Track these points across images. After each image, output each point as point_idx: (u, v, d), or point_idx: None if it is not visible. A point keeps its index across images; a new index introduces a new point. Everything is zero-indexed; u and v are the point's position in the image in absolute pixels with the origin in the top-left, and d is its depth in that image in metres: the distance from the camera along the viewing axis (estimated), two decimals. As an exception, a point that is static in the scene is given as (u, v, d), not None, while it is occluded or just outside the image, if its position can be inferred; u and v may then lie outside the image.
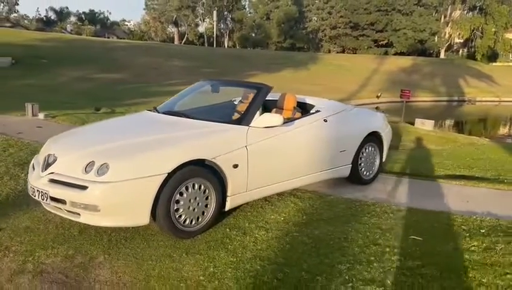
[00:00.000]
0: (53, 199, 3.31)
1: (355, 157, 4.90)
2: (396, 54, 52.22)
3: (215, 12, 49.20)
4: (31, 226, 3.66)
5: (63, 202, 3.27)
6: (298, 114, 4.67)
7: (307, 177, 4.41)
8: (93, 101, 12.90)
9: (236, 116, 4.41)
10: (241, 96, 4.93)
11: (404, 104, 15.86)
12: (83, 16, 66.85)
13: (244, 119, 3.96)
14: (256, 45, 58.20)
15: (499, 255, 3.13)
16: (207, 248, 3.34)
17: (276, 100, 4.84)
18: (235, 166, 3.69)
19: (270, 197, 4.35)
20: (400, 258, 3.12)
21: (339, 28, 55.74)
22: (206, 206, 3.60)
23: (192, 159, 3.44)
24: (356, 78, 30.58)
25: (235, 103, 5.08)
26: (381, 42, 55.92)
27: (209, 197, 3.61)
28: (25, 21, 65.70)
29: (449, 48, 56.38)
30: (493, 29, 49.95)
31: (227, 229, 3.67)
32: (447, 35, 54.54)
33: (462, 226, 3.76)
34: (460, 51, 57.58)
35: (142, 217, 3.26)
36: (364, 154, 5.04)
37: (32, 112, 9.09)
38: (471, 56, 51.45)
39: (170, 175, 3.31)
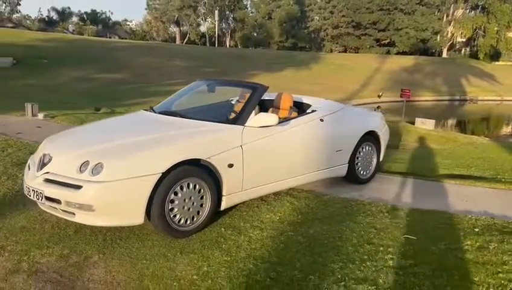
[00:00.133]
0: (48, 198, 3.32)
1: (352, 157, 4.90)
2: (398, 53, 52.15)
3: (216, 12, 49.17)
4: (27, 225, 3.68)
5: (58, 201, 3.29)
6: (295, 114, 4.67)
7: (303, 176, 4.42)
8: (94, 101, 12.94)
9: (232, 115, 4.42)
10: (238, 96, 4.95)
11: (405, 104, 15.84)
12: (84, 16, 66.93)
13: (240, 119, 3.97)
14: (258, 45, 58.20)
15: (491, 254, 3.14)
16: (201, 247, 3.36)
17: (273, 100, 4.85)
18: (230, 165, 3.70)
19: (267, 196, 4.36)
20: (392, 257, 3.13)
21: (341, 27, 55.69)
22: (201, 205, 3.61)
23: (186, 158, 3.45)
24: (358, 78, 30.56)
25: (233, 102, 5.10)
26: (384, 41, 55.85)
27: (204, 197, 3.62)
28: (27, 21, 65.93)
29: (451, 47, 56.25)
30: (495, 28, 49.78)
31: (223, 229, 3.68)
32: (449, 35, 54.41)
33: (457, 225, 3.77)
34: (463, 50, 57.42)
35: (136, 216, 3.28)
36: (361, 153, 5.04)
37: (32, 112, 9.13)
38: (474, 55, 51.31)
39: (164, 175, 3.32)
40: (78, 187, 3.19)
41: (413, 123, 13.53)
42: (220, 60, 31.51)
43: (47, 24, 63.16)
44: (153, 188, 3.27)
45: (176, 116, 4.23)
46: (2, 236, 3.49)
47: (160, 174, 3.29)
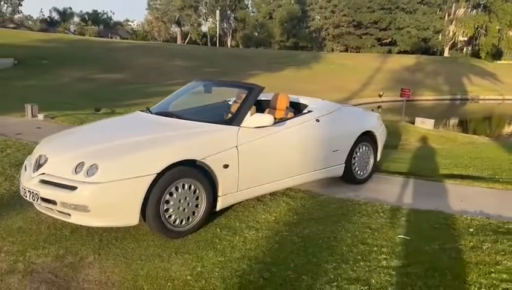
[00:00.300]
0: (44, 199, 3.35)
1: (349, 157, 4.92)
2: (400, 52, 52.04)
3: (217, 12, 49.21)
4: (23, 226, 3.70)
5: (53, 202, 3.31)
6: (291, 114, 4.68)
7: (300, 176, 4.43)
8: (94, 102, 12.97)
9: (228, 116, 4.44)
10: (235, 97, 4.96)
11: (405, 103, 15.83)
12: (86, 16, 67.02)
13: (235, 119, 3.99)
14: (259, 44, 58.21)
15: (484, 254, 3.15)
16: (196, 247, 3.37)
17: (270, 100, 4.87)
18: (226, 166, 3.72)
19: (263, 196, 4.38)
20: (386, 258, 3.14)
21: (342, 26, 55.63)
22: (197, 206, 3.63)
23: (181, 159, 3.47)
24: (359, 77, 30.53)
25: (230, 103, 5.11)
26: (385, 41, 55.77)
27: (200, 198, 3.63)
28: (29, 22, 66.08)
29: (453, 46, 56.09)
30: (497, 27, 49.60)
31: (218, 229, 3.70)
32: (451, 34, 54.23)
33: (452, 226, 3.78)
34: (465, 49, 57.25)
35: (131, 217, 3.30)
36: (358, 153, 5.05)
37: (32, 112, 9.16)
38: (476, 54, 51.14)
39: (159, 175, 3.34)
40: (73, 188, 3.21)
41: (413, 123, 13.53)
42: (221, 60, 31.52)
43: (48, 24, 63.30)
44: (148, 189, 3.29)
45: (172, 117, 4.25)
46: (-1, 237, 3.51)
47: (155, 175, 3.31)
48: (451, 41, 54.81)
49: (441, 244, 3.35)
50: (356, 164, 5.03)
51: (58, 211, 3.35)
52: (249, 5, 63.01)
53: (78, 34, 55.82)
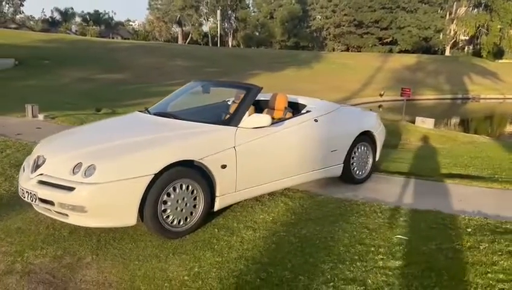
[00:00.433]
0: (42, 200, 3.36)
1: (347, 157, 4.92)
2: (401, 51, 51.98)
3: (218, 12, 49.24)
4: (22, 227, 3.71)
5: (51, 203, 3.32)
6: (289, 114, 4.69)
7: (298, 177, 4.44)
8: (95, 102, 12.98)
9: (226, 117, 4.44)
10: (234, 97, 4.97)
11: (405, 103, 15.80)
12: (87, 16, 67.11)
13: (233, 120, 3.99)
14: (260, 44, 58.21)
15: (481, 254, 3.15)
16: (194, 248, 3.38)
17: (268, 100, 4.87)
18: (224, 166, 3.73)
19: (261, 196, 4.38)
20: (383, 258, 3.14)
21: (343, 26, 55.61)
22: (195, 206, 3.64)
23: (179, 160, 3.47)
24: (359, 77, 30.48)
25: (229, 103, 5.11)
26: (386, 40, 55.72)
27: (197, 198, 3.64)
28: (31, 22, 66.19)
29: (454, 45, 56.00)
30: (499, 26, 49.51)
31: (216, 229, 3.70)
32: (452, 33, 54.14)
33: (450, 225, 3.78)
34: (466, 48, 57.18)
35: (129, 217, 3.31)
36: (357, 153, 5.05)
37: (32, 113, 9.18)
38: (477, 53, 51.05)
39: (157, 176, 3.35)
40: (71, 189, 3.22)
41: (413, 122, 13.51)
42: (222, 59, 31.51)
43: (50, 25, 63.40)
44: (146, 189, 3.30)
45: (170, 117, 4.26)
46: (-3, 237, 3.52)
47: (153, 175, 3.32)
48: (452, 41, 54.72)
49: (438, 244, 3.36)
50: (355, 163, 5.03)
51: (56, 211, 3.37)
52: (250, 5, 63.04)
53: (80, 34, 55.87)
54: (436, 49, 56.01)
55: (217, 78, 20.03)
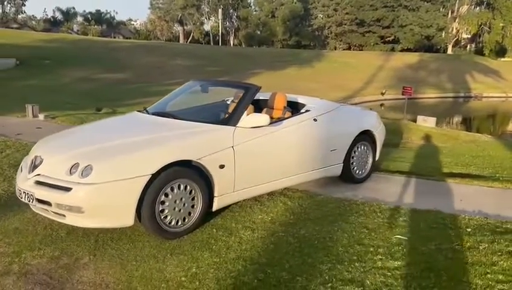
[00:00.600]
0: (39, 200, 3.35)
1: (347, 156, 4.89)
2: (403, 50, 51.87)
3: (220, 11, 49.22)
4: (20, 227, 3.70)
5: (48, 203, 3.31)
6: (288, 113, 4.66)
7: (297, 176, 4.42)
8: (95, 102, 12.99)
9: (224, 116, 4.43)
10: (233, 96, 4.95)
11: (406, 101, 15.75)
12: (89, 16, 67.16)
13: (231, 119, 3.97)
14: (261, 43, 58.14)
15: (481, 255, 3.12)
16: (191, 248, 3.36)
17: (267, 100, 4.85)
18: (222, 166, 3.71)
19: (260, 196, 4.36)
20: (382, 258, 3.12)
21: (345, 24, 55.48)
22: (193, 207, 3.62)
23: (177, 160, 3.45)
24: (361, 75, 30.42)
25: (228, 103, 5.09)
26: (388, 38, 55.56)
27: (196, 198, 3.62)
28: (32, 22, 66.25)
29: (456, 43, 55.86)
30: (501, 24, 49.35)
31: (214, 230, 3.69)
32: (454, 31, 54.01)
33: (450, 225, 3.75)
34: (468, 47, 57.03)
35: (126, 218, 3.29)
36: (356, 153, 5.03)
37: (33, 112, 9.18)
38: (479, 51, 50.90)
39: (155, 176, 3.33)
40: (68, 189, 3.20)
41: (415, 121, 13.46)
42: (223, 59, 31.49)
43: (52, 24, 63.48)
44: (143, 190, 3.28)
45: (168, 117, 4.24)
46: (-5, 238, 3.51)
47: (150, 175, 3.30)
48: (454, 39, 54.59)
49: (437, 244, 3.33)
50: (354, 163, 5.01)
51: (53, 212, 3.35)
52: (252, 4, 62.92)
53: (81, 33, 55.95)
54: (438, 47, 55.82)
55: (219, 77, 20.06)
